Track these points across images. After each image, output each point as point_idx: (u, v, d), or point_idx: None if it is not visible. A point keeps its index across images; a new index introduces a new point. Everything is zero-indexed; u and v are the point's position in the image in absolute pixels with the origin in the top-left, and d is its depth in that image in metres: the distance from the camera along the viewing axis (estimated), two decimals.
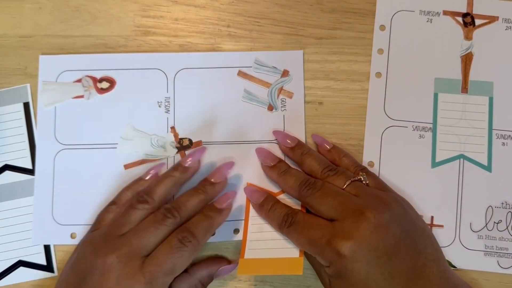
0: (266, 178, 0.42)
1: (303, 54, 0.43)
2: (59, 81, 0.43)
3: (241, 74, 0.43)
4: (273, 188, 0.41)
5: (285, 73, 0.43)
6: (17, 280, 0.41)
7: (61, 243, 0.42)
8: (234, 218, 0.41)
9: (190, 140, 0.42)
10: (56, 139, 0.42)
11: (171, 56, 0.43)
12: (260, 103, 0.43)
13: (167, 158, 0.42)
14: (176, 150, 0.42)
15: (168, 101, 0.43)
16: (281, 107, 0.43)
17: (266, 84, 0.43)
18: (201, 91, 0.43)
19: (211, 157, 0.42)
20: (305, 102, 0.43)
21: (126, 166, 0.42)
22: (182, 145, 0.42)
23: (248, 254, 0.38)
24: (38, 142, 0.43)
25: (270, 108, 0.43)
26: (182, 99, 0.43)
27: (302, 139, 0.42)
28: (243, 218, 0.41)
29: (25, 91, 0.44)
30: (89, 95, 0.42)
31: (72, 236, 0.41)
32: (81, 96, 0.43)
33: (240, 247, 0.39)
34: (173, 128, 0.43)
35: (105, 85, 0.43)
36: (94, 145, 0.42)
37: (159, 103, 0.43)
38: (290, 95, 0.43)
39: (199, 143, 0.42)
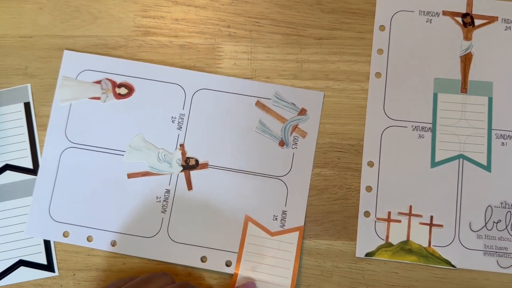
0: (265, 211, 0.41)
1: (324, 96, 0.43)
2: (79, 79, 0.43)
3: (259, 104, 0.43)
4: (270, 213, 0.41)
5: (302, 112, 0.43)
6: (18, 280, 0.42)
7: (54, 240, 0.42)
8: (227, 249, 0.41)
9: (196, 161, 0.42)
10: (66, 136, 0.43)
11: (193, 74, 0.43)
12: (272, 137, 0.42)
13: (171, 175, 0.42)
14: (181, 168, 0.42)
15: (182, 118, 0.43)
16: (293, 144, 0.42)
17: (282, 119, 0.43)
18: (217, 114, 0.43)
19: (213, 181, 0.42)
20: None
21: (130, 175, 0.42)
22: (188, 164, 0.42)
23: None
24: (48, 135, 0.43)
25: (282, 143, 0.42)
26: (197, 119, 0.43)
27: (307, 180, 0.42)
28: (237, 251, 0.41)
29: (25, 91, 0.44)
30: (106, 98, 0.42)
31: (65, 234, 0.42)
32: (98, 98, 0.43)
33: (230, 281, 0.40)
34: (182, 145, 0.42)
35: (123, 91, 0.43)
36: (102, 149, 0.42)
37: (173, 119, 0.43)
38: (303, 134, 0.42)
39: (205, 165, 0.42)
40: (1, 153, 0.43)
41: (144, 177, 0.42)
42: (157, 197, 0.42)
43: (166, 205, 0.42)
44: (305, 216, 0.42)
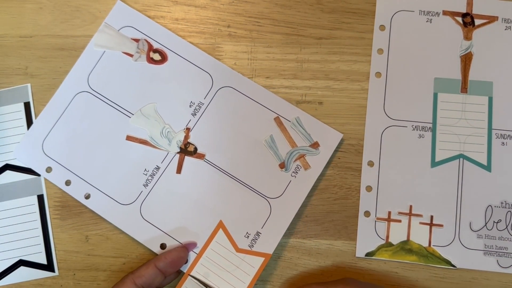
0: (240, 225, 0.41)
1: (342, 138, 0.42)
2: (121, 32, 0.44)
3: (278, 121, 0.42)
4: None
5: (315, 145, 0.42)
6: (18, 280, 0.42)
7: (36, 170, 0.42)
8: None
9: (195, 149, 0.42)
10: (88, 80, 0.43)
11: (227, 69, 0.43)
12: (276, 155, 0.42)
13: (167, 153, 0.42)
14: (178, 150, 0.42)
15: (200, 107, 0.43)
16: (292, 172, 0.42)
17: (293, 143, 0.42)
18: (233, 115, 0.43)
19: (203, 174, 0.42)
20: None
21: (128, 137, 0.42)
22: (186, 149, 0.42)
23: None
24: (70, 74, 0.43)
25: (282, 165, 0.42)
26: (213, 112, 0.43)
27: (293, 212, 0.41)
28: (197, 252, 0.40)
29: (25, 91, 0.44)
30: (138, 57, 0.43)
31: (47, 170, 0.42)
32: (131, 55, 0.43)
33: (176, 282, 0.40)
34: (188, 129, 0.42)
35: (157, 57, 0.43)
36: (115, 104, 0.43)
37: (191, 103, 0.43)
38: (306, 166, 0.42)
39: (201, 155, 0.42)
40: (1, 153, 0.43)
41: (140, 145, 0.42)
42: (145, 169, 0.42)
43: (150, 180, 0.42)
44: (305, 216, 0.42)
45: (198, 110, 0.43)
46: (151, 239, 0.41)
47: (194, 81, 0.43)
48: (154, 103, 0.43)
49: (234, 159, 0.42)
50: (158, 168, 0.42)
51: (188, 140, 0.42)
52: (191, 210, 0.41)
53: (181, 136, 0.42)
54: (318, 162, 0.42)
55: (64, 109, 0.43)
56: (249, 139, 0.42)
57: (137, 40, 0.43)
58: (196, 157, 0.42)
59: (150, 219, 0.41)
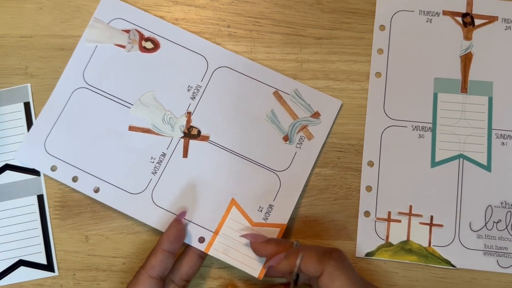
0: (252, 200, 0.41)
1: (342, 105, 0.43)
2: (110, 25, 0.44)
3: (277, 95, 0.43)
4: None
5: (316, 115, 0.42)
6: (18, 280, 0.42)
7: (41, 170, 0.42)
8: (204, 226, 0.41)
9: (199, 132, 0.42)
10: (83, 76, 0.43)
11: (220, 50, 0.44)
12: (279, 129, 0.42)
13: (171, 139, 0.42)
14: (182, 135, 0.42)
15: (198, 90, 0.43)
16: (297, 143, 0.42)
17: (294, 115, 0.42)
18: (232, 94, 0.43)
19: (209, 156, 0.42)
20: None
21: (131, 128, 0.42)
22: (190, 133, 0.42)
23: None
24: (65, 73, 0.43)
25: (286, 138, 0.42)
26: (212, 94, 0.43)
27: (303, 181, 0.42)
28: (213, 230, 0.41)
29: (25, 91, 0.44)
30: (131, 48, 0.43)
31: (52, 168, 0.42)
32: (123, 46, 0.43)
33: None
34: (189, 113, 0.43)
35: (149, 45, 0.43)
36: (113, 97, 0.43)
37: (189, 87, 0.43)
38: (310, 136, 0.42)
39: (206, 137, 0.42)
40: (1, 153, 0.43)
41: (144, 134, 0.42)
42: (151, 157, 0.42)
43: (158, 167, 0.42)
44: (305, 216, 0.42)
45: (196, 93, 0.43)
46: (166, 224, 0.41)
47: (189, 64, 0.43)
48: (152, 91, 0.43)
49: (238, 137, 0.42)
50: (164, 154, 0.42)
51: (191, 124, 0.42)
52: (202, 191, 0.41)
53: (183, 121, 0.42)
54: (320, 131, 0.42)
55: (63, 108, 0.43)
56: (251, 116, 0.43)
57: (127, 31, 0.43)
58: (201, 140, 0.42)
59: (163, 204, 0.41)
